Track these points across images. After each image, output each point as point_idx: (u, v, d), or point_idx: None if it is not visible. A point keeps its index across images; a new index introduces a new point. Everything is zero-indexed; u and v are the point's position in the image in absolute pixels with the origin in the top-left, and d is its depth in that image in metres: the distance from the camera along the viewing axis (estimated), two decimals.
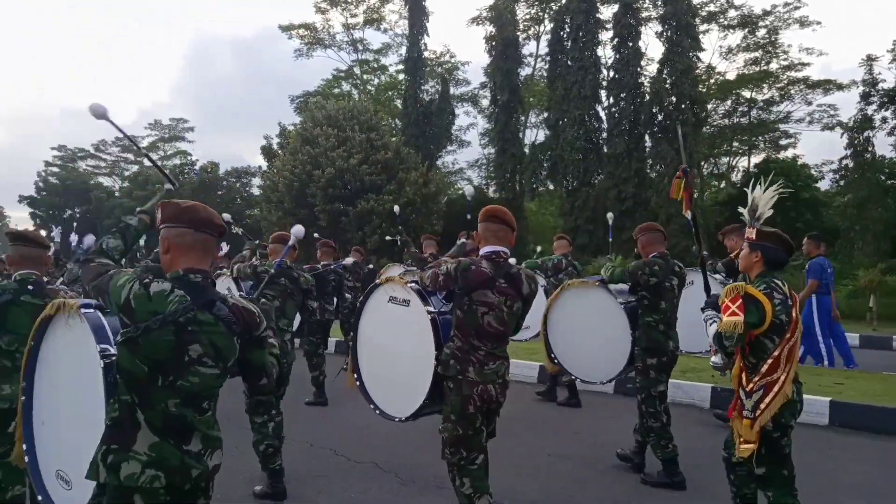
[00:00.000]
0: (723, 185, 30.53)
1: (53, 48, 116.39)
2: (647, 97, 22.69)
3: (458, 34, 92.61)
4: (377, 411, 3.67)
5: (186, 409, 1.97)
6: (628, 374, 4.92)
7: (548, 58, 26.23)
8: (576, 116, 23.06)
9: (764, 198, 3.19)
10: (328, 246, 7.87)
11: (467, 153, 40.60)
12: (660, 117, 22.26)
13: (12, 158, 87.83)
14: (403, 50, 31.56)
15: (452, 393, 3.11)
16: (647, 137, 22.85)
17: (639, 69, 22.81)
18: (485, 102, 33.52)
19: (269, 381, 2.27)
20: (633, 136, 22.33)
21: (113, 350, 2.15)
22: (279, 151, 27.89)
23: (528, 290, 3.20)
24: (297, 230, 3.85)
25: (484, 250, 3.22)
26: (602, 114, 24.22)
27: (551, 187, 28.34)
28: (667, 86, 21.69)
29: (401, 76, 32.88)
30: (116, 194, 39.60)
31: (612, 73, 23.74)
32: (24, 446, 2.58)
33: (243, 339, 2.09)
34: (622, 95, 22.69)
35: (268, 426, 4.24)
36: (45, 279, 3.65)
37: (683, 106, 21.35)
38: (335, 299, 7.88)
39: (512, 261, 3.38)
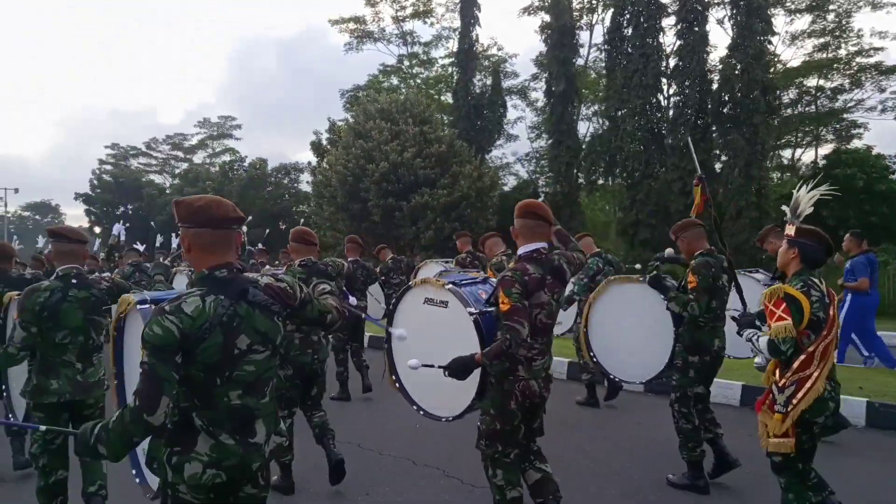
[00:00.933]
0: (786, 176, 29.13)
1: (100, 52, 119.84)
2: (716, 85, 21.63)
3: (504, 27, 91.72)
4: (421, 412, 3.67)
5: (248, 398, 2.06)
6: (667, 375, 4.70)
7: (604, 47, 25.34)
8: (636, 106, 22.11)
9: (806, 196, 3.25)
10: (354, 242, 7.70)
11: (515, 147, 39.88)
12: (728, 106, 21.17)
13: (66, 158, 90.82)
14: (451, 43, 31.07)
15: (494, 388, 3.12)
16: (713, 127, 21.81)
17: (704, 55, 21.75)
18: (534, 95, 32.78)
19: (338, 314, 2.39)
20: (698, 126, 21.31)
21: None
22: (329, 147, 27.68)
23: (571, 273, 3.27)
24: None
25: (524, 249, 3.17)
26: (663, 103, 23.27)
27: (603, 181, 27.42)
28: (736, 72, 20.57)
29: (450, 69, 32.38)
30: (167, 191, 40.29)
31: (674, 61, 22.74)
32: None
33: (285, 314, 2.18)
34: (687, 83, 21.65)
35: (285, 422, 4.18)
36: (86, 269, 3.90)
37: (754, 94, 20.21)
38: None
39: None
